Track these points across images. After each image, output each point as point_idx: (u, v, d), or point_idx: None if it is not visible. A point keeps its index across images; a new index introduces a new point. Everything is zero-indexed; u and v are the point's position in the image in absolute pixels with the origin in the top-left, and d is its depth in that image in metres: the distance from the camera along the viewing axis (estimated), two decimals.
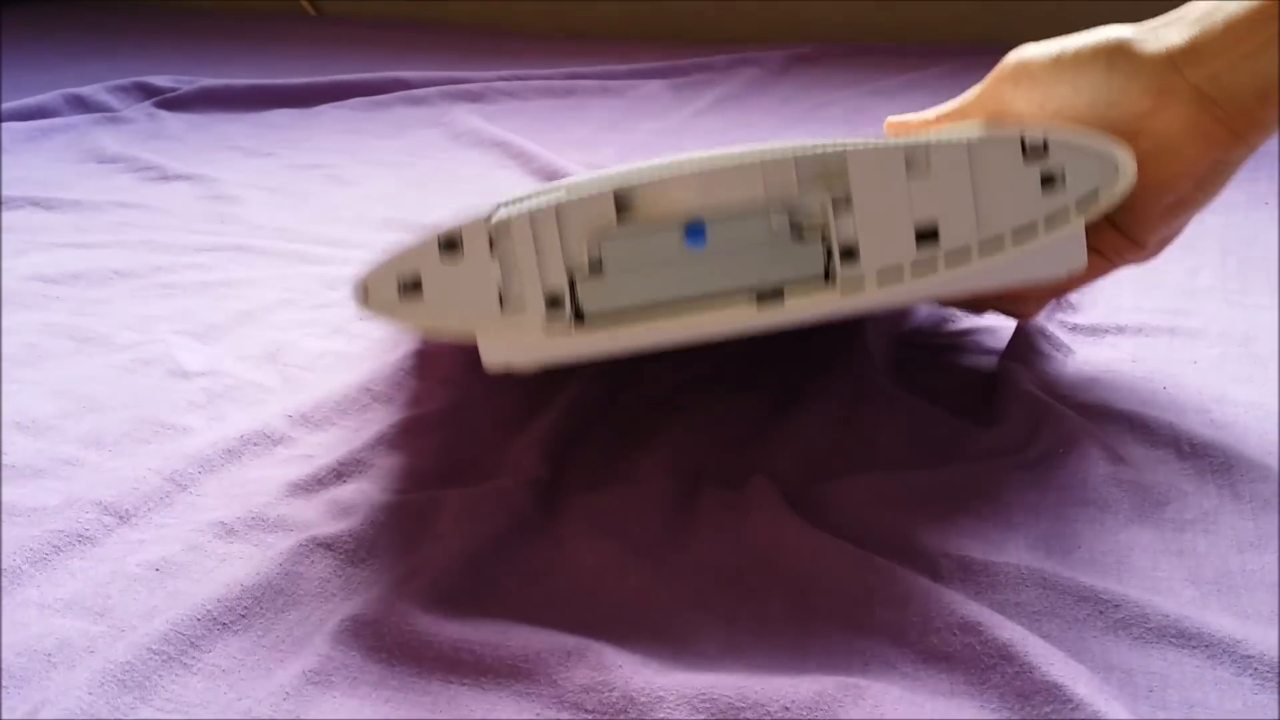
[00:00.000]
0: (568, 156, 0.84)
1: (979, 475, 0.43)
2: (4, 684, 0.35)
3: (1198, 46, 0.39)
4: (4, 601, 0.39)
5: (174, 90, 1.04)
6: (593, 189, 0.39)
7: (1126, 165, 0.39)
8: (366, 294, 0.40)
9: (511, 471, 0.44)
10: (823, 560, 0.39)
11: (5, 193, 0.79)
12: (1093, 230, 0.42)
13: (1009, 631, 0.35)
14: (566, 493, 0.44)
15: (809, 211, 0.39)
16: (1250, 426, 0.46)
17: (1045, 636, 0.35)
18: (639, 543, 0.41)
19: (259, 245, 0.70)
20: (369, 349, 0.56)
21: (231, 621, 0.38)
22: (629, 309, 0.40)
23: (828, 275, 0.39)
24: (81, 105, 1.02)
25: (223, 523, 0.43)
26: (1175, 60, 0.39)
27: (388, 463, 0.47)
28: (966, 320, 0.56)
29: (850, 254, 0.39)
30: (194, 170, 0.84)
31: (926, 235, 0.39)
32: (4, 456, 0.47)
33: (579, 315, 0.40)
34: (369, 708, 0.34)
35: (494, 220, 0.39)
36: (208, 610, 0.38)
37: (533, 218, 0.39)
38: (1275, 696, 0.33)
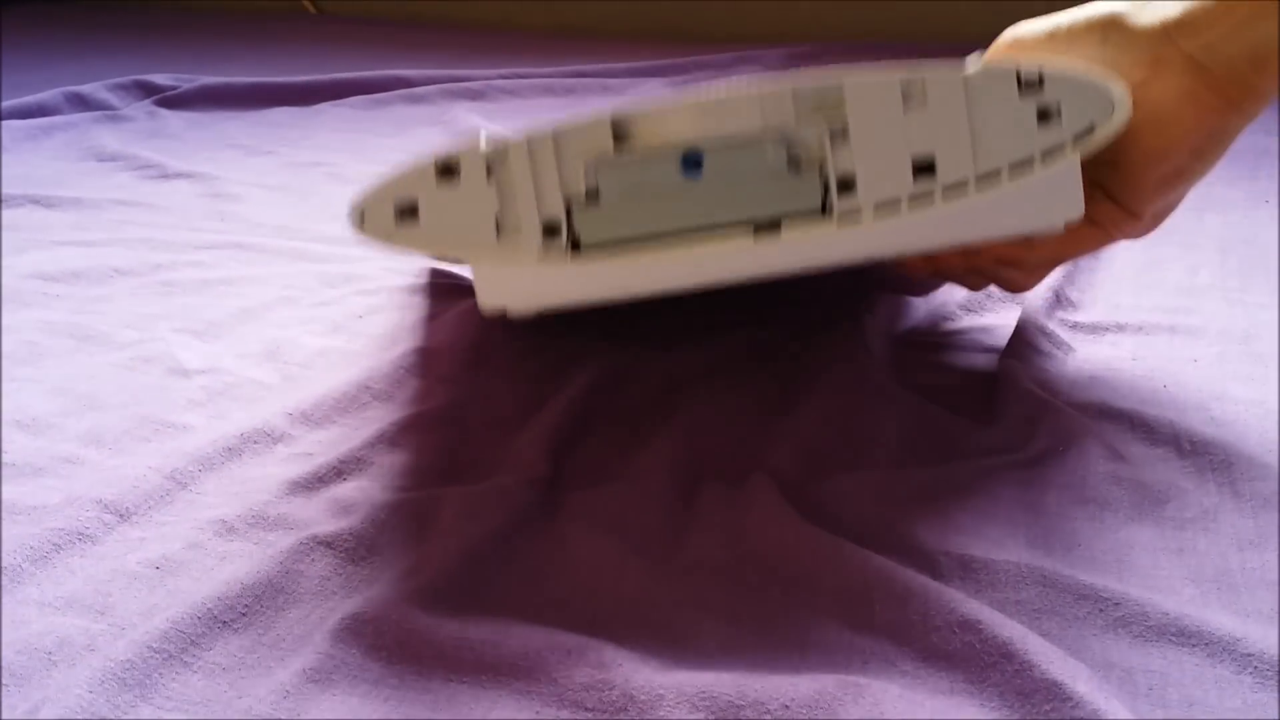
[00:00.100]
0: None
1: (979, 473, 0.43)
2: (4, 682, 0.35)
3: (1192, 16, 0.39)
4: (4, 599, 0.39)
5: (174, 88, 1.04)
6: (591, 117, 0.39)
7: (1122, 99, 0.39)
8: (363, 219, 0.40)
9: (512, 469, 0.44)
10: (823, 558, 0.39)
11: (5, 190, 0.79)
12: (1090, 201, 0.42)
13: (1009, 630, 0.35)
14: (567, 490, 0.44)
15: (807, 144, 0.39)
16: (1250, 424, 0.46)
17: (1045, 634, 0.35)
18: (639, 541, 0.41)
19: (259, 243, 0.70)
20: (369, 347, 0.56)
21: (232, 620, 0.38)
22: (625, 239, 0.40)
23: (825, 208, 0.40)
24: (82, 103, 1.01)
25: (223, 521, 0.43)
26: (1169, 31, 0.39)
27: (388, 461, 0.47)
28: (965, 318, 0.56)
29: (847, 186, 0.39)
30: (194, 168, 0.84)
31: (923, 169, 0.39)
32: (4, 454, 0.47)
33: (575, 244, 0.40)
34: (369, 706, 0.34)
35: (491, 146, 0.39)
36: (208, 608, 0.38)
37: (530, 144, 0.39)
38: (1275, 695, 0.33)
